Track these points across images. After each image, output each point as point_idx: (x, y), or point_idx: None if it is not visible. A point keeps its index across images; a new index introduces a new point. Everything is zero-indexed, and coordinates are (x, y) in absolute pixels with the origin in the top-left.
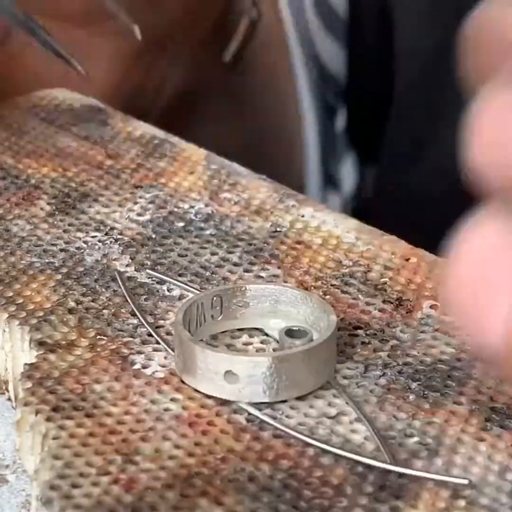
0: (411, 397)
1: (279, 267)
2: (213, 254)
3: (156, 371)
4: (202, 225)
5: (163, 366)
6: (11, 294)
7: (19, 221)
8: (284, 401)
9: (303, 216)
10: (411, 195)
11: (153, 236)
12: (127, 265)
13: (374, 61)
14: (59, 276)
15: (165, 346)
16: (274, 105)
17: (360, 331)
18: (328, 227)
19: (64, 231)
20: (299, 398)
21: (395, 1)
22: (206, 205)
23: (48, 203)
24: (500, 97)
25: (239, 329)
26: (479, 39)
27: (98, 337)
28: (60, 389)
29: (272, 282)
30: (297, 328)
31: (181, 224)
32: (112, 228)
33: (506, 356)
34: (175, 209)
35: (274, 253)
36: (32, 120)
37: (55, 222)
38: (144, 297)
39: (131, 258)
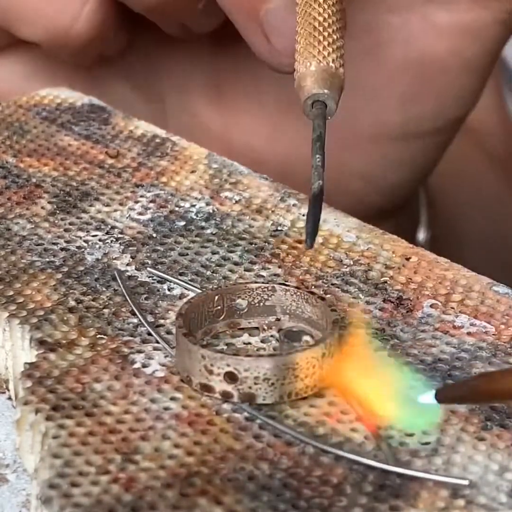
0: None
1: (280, 267)
2: (214, 253)
3: (156, 370)
4: (203, 224)
5: (163, 365)
6: (11, 293)
7: (20, 220)
8: (284, 401)
9: (304, 215)
10: None
11: (154, 235)
12: (127, 264)
13: None
14: (59, 275)
15: (165, 346)
16: None
17: (360, 331)
18: (329, 226)
19: (65, 230)
20: (300, 398)
21: None
22: (207, 204)
23: (49, 202)
24: None
25: (239, 329)
26: None
27: (98, 336)
28: (60, 388)
29: (273, 281)
30: (297, 328)
31: (182, 223)
32: (113, 227)
33: None
34: (176, 208)
35: (275, 252)
36: (33, 118)
37: (56, 221)
38: (145, 296)
39: (131, 257)
